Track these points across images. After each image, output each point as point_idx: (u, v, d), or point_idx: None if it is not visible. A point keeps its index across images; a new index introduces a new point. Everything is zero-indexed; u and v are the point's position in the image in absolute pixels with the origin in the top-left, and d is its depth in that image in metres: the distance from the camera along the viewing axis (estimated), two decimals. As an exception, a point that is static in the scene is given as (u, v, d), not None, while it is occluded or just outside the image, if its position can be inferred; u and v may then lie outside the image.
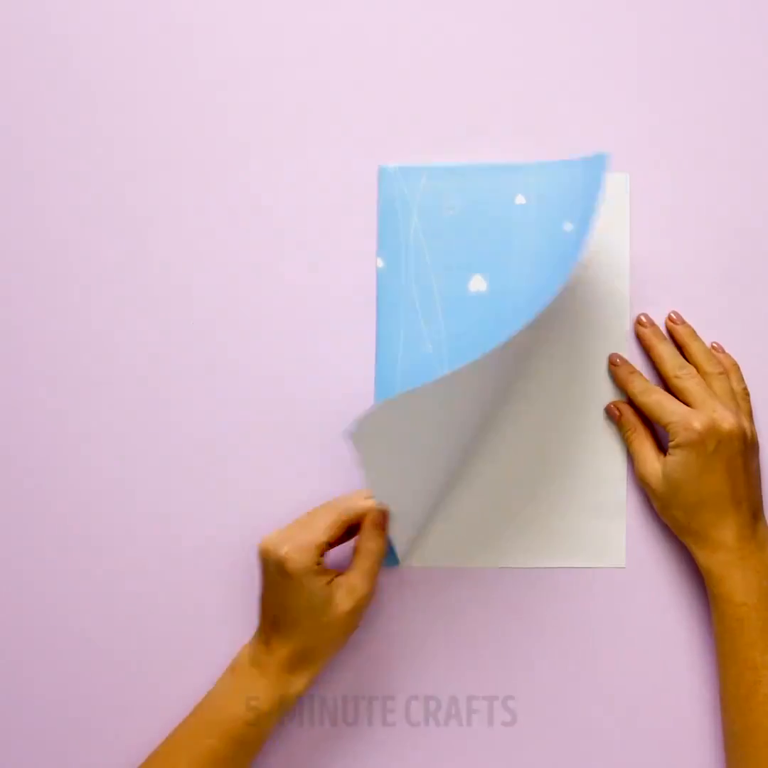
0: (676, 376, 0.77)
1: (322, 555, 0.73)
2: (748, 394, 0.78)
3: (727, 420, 0.74)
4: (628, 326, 0.78)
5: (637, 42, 0.80)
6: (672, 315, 0.79)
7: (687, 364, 0.78)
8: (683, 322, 0.79)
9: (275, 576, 0.73)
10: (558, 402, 0.78)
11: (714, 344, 0.79)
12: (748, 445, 0.75)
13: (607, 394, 0.78)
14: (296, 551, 0.72)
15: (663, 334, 0.79)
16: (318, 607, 0.72)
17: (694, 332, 0.79)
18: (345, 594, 0.73)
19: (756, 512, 0.75)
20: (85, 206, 0.79)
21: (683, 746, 0.76)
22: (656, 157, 0.79)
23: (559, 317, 0.78)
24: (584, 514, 0.77)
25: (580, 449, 0.78)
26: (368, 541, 0.74)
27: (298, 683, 0.73)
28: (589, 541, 0.77)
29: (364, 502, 0.75)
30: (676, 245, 0.79)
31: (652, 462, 0.76)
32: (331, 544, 0.74)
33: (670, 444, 0.75)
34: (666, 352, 0.78)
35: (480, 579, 0.77)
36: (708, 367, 0.77)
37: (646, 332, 0.78)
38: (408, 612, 0.77)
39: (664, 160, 0.79)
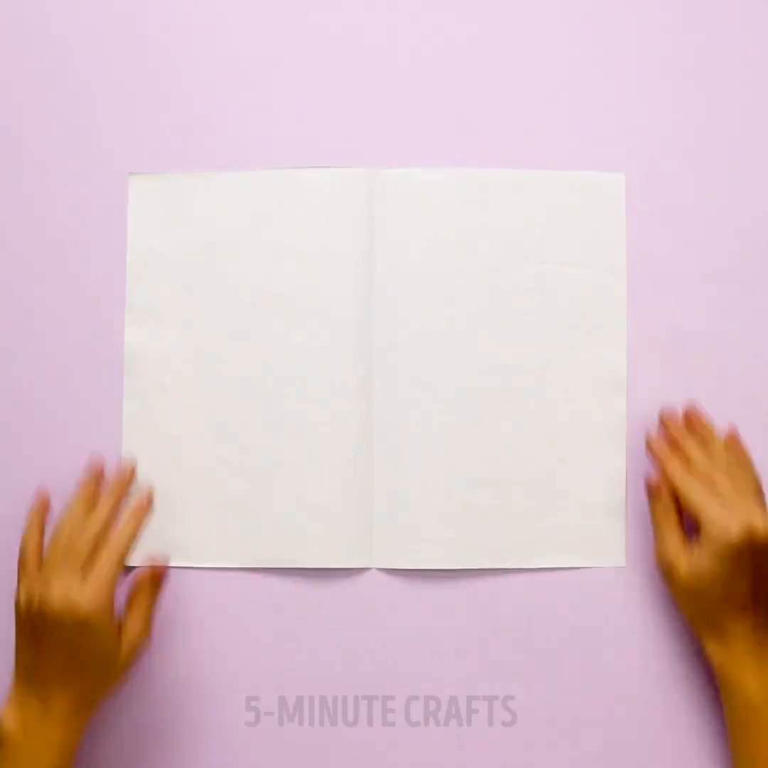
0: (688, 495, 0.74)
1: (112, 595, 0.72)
2: (760, 488, 0.76)
3: (761, 527, 0.72)
4: (625, 327, 0.78)
5: (636, 42, 0.80)
6: (690, 411, 0.77)
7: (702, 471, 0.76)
8: (700, 421, 0.77)
9: (63, 623, 0.70)
10: (556, 402, 0.78)
11: (731, 435, 0.77)
12: None
13: (607, 395, 0.78)
14: (93, 594, 0.71)
15: (666, 449, 0.77)
16: (110, 651, 0.71)
17: (711, 430, 0.77)
18: (127, 639, 0.73)
19: None
20: (84, 206, 0.79)
21: (683, 745, 0.76)
22: (652, 156, 0.79)
23: (555, 318, 0.79)
24: (584, 513, 0.77)
25: (580, 449, 0.78)
26: (145, 588, 0.74)
27: (80, 728, 0.71)
28: (589, 540, 0.77)
29: (129, 536, 0.74)
30: (672, 245, 0.79)
31: (678, 550, 0.75)
32: None
33: (703, 540, 0.73)
34: (677, 471, 0.76)
35: (479, 579, 0.77)
36: (731, 462, 0.76)
37: (654, 448, 0.77)
38: (407, 612, 0.77)
39: (659, 159, 0.79)
